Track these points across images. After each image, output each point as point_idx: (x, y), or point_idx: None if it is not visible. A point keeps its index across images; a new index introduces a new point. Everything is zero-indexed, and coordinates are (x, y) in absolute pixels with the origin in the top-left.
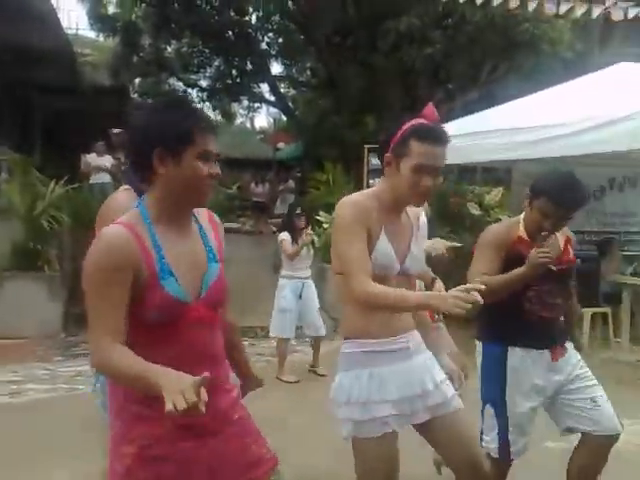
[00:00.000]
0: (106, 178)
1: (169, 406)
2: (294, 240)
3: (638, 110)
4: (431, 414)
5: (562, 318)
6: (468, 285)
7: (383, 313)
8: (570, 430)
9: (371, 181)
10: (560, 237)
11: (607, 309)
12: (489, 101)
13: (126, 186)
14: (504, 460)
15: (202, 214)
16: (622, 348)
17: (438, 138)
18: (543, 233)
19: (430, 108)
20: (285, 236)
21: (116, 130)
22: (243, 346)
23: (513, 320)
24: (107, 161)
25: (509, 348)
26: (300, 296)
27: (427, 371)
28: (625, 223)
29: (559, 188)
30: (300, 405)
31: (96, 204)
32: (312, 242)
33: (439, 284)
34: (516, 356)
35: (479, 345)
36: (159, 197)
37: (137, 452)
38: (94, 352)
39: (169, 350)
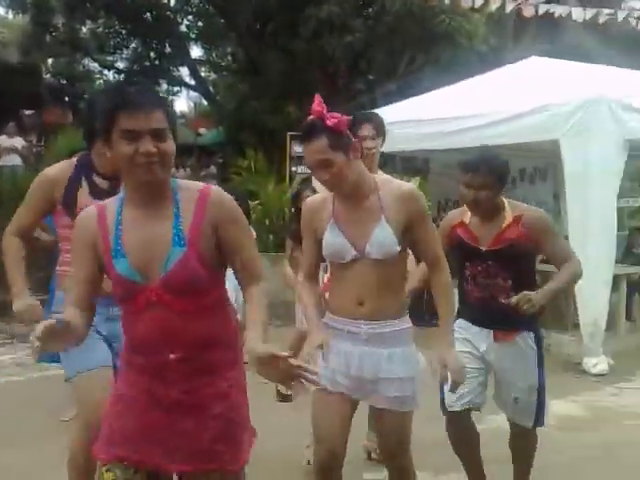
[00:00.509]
0: (17, 160)
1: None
2: None
3: (546, 103)
4: (383, 403)
5: (503, 299)
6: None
7: (340, 294)
8: (499, 407)
9: (293, 168)
10: (510, 216)
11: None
12: (408, 92)
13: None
14: (446, 412)
15: (193, 194)
16: None
17: (305, 137)
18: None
19: (316, 100)
20: None
21: (28, 111)
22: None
23: (460, 297)
24: (18, 143)
25: (458, 320)
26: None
27: (380, 363)
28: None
29: (472, 158)
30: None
31: (6, 186)
32: None
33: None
34: (461, 326)
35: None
36: (123, 179)
37: (117, 393)
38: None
39: (138, 328)
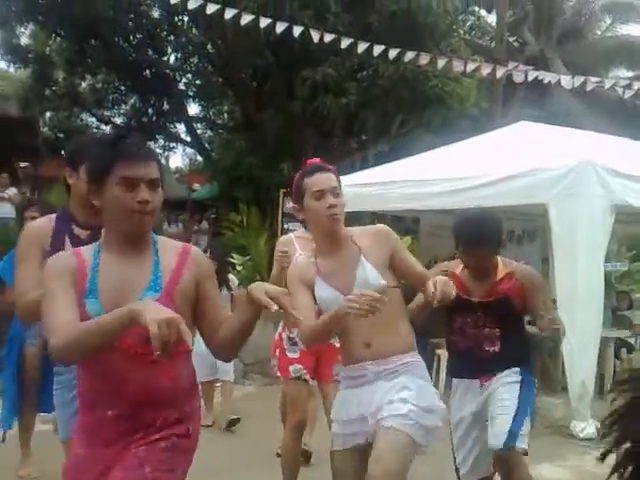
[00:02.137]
0: (9, 213)
1: (154, 329)
2: None
3: (534, 168)
4: (389, 420)
5: (495, 349)
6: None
7: (344, 345)
8: None
9: (285, 225)
10: (503, 271)
11: None
12: (399, 153)
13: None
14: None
15: (174, 248)
16: None
17: (319, 168)
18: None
19: (311, 160)
20: None
21: (23, 164)
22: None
23: (449, 353)
24: (12, 192)
25: (453, 379)
26: None
27: (385, 393)
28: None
29: (466, 233)
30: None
31: None
32: (227, 284)
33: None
34: (456, 384)
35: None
36: (105, 227)
37: (71, 456)
38: (54, 336)
39: (106, 379)
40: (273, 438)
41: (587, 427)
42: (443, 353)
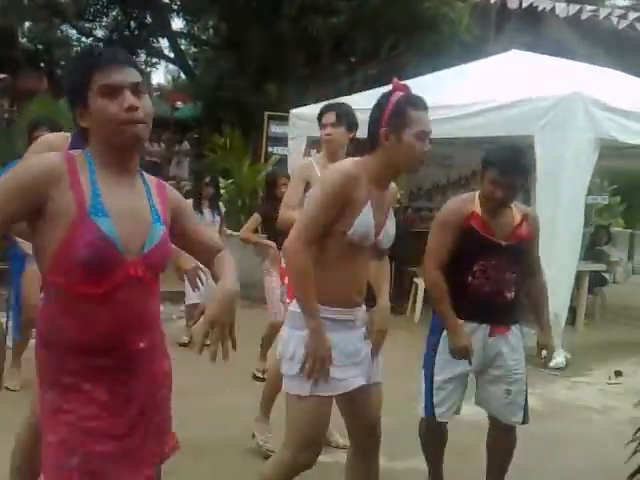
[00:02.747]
0: None
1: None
2: (196, 207)
3: (523, 98)
4: (378, 376)
5: (512, 295)
6: None
7: (338, 282)
8: (479, 405)
9: (270, 149)
10: (518, 213)
11: None
12: (388, 77)
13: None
14: (430, 418)
15: (152, 180)
16: None
17: (426, 105)
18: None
19: (397, 82)
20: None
21: (1, 75)
22: None
23: (458, 294)
24: None
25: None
26: None
27: (364, 341)
28: None
29: (504, 158)
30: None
31: None
32: (218, 208)
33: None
34: None
35: (432, 318)
36: (94, 149)
37: (72, 424)
38: None
39: (108, 311)
40: (250, 361)
41: (557, 357)
42: (421, 282)
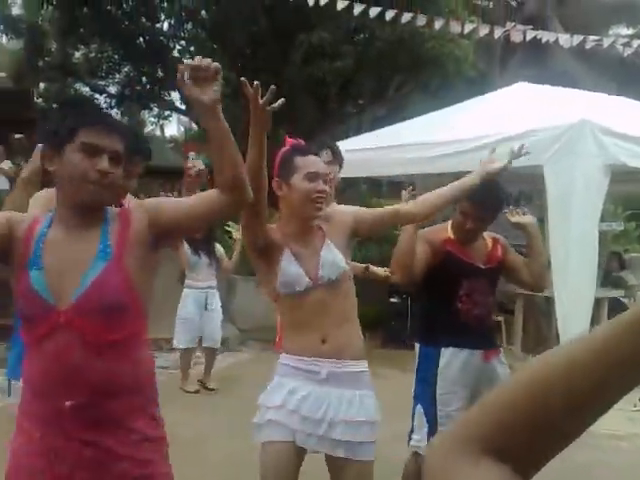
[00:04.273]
0: (4, 185)
1: None
2: (194, 251)
3: (531, 129)
4: (340, 450)
5: (494, 317)
6: None
7: (302, 338)
8: None
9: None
10: (488, 238)
11: (500, 318)
12: (396, 117)
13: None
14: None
15: (114, 212)
16: (514, 355)
17: (313, 151)
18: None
19: (288, 139)
20: (184, 247)
21: (18, 135)
22: None
23: (446, 321)
24: (6, 166)
25: (442, 349)
26: (206, 307)
27: (340, 404)
28: (519, 236)
29: (479, 190)
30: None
31: None
32: (214, 252)
33: (373, 268)
34: (447, 356)
35: (417, 347)
36: (57, 196)
37: (13, 459)
38: None
39: (38, 357)
40: None
41: None
42: None
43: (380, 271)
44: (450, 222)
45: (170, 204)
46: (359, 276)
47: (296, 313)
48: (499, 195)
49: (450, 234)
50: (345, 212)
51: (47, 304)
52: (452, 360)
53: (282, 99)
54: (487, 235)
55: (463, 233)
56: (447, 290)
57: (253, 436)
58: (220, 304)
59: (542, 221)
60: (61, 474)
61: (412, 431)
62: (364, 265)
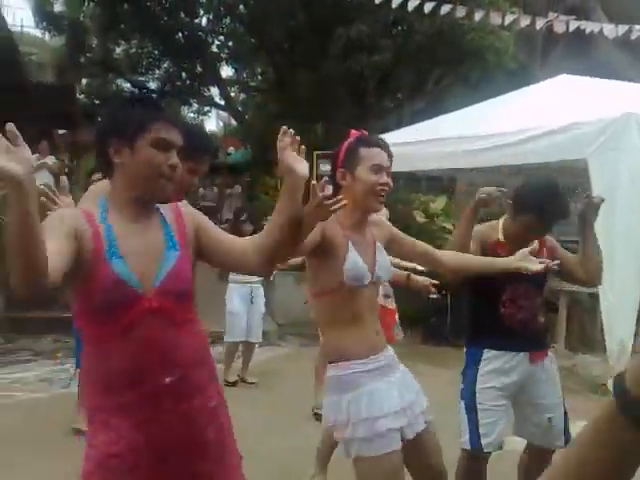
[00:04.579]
0: (48, 180)
1: None
2: None
3: (575, 122)
4: (418, 426)
5: (543, 319)
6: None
7: (359, 333)
8: (520, 436)
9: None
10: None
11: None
12: (436, 110)
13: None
14: (476, 450)
15: (167, 207)
16: (558, 353)
17: (379, 143)
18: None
19: (353, 131)
20: None
21: (61, 131)
22: None
23: (490, 324)
24: (50, 161)
25: (485, 350)
26: (251, 301)
27: (407, 382)
28: (563, 232)
29: (546, 204)
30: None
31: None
32: None
33: (415, 277)
34: (490, 357)
35: (466, 351)
36: (118, 188)
37: (98, 459)
38: None
39: (128, 346)
40: (308, 398)
41: None
42: None
43: (421, 280)
44: (502, 222)
45: (216, 233)
46: (401, 284)
47: (353, 307)
48: (567, 206)
49: (501, 236)
50: (387, 224)
51: (134, 291)
52: (494, 360)
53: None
54: None
55: (519, 241)
56: (491, 294)
57: (359, 450)
58: (264, 299)
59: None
60: (154, 460)
61: (461, 428)
62: (406, 273)
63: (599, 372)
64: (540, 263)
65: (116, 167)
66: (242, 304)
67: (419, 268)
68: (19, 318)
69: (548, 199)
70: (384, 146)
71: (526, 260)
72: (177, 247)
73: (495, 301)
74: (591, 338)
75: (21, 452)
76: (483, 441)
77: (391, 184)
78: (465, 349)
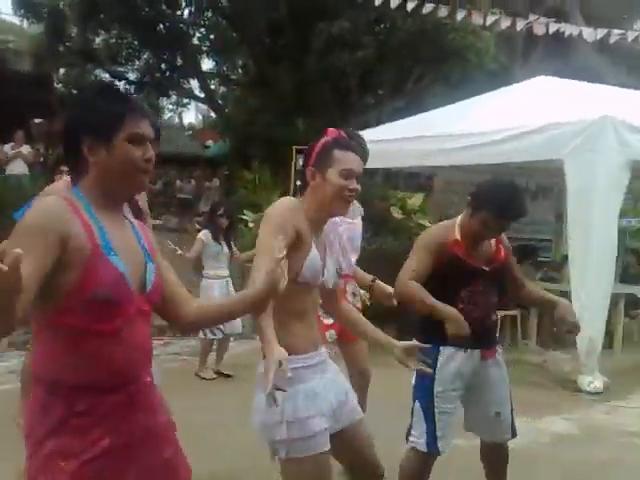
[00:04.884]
0: (23, 169)
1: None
2: (215, 238)
3: (552, 122)
4: (343, 423)
5: (496, 317)
6: None
7: (304, 328)
8: (469, 430)
9: (298, 182)
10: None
11: (517, 312)
12: (415, 109)
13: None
14: (432, 453)
15: (132, 219)
16: (530, 350)
17: (354, 148)
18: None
19: (330, 129)
20: (204, 235)
21: (37, 120)
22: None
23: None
24: (25, 151)
25: (441, 348)
26: (227, 294)
27: (339, 381)
28: (536, 231)
29: (503, 202)
30: (206, 405)
31: (11, 195)
32: (229, 241)
33: (380, 284)
34: (446, 355)
35: (415, 343)
36: (92, 186)
37: (77, 468)
38: None
39: (120, 347)
40: None
41: (594, 381)
42: None
43: (387, 289)
44: (458, 222)
45: (168, 268)
46: (363, 287)
47: (301, 303)
48: (525, 208)
49: (457, 235)
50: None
51: (130, 290)
52: (450, 359)
53: None
54: None
55: (475, 239)
56: (449, 291)
57: (291, 451)
58: (233, 292)
59: (560, 217)
60: (131, 455)
61: (411, 427)
62: (371, 277)
63: (569, 368)
64: (416, 367)
65: (91, 165)
66: (220, 298)
67: None
68: None
69: (505, 197)
70: (360, 151)
71: (406, 357)
72: (151, 259)
73: (453, 298)
74: (562, 335)
75: None
76: (440, 443)
77: (359, 189)
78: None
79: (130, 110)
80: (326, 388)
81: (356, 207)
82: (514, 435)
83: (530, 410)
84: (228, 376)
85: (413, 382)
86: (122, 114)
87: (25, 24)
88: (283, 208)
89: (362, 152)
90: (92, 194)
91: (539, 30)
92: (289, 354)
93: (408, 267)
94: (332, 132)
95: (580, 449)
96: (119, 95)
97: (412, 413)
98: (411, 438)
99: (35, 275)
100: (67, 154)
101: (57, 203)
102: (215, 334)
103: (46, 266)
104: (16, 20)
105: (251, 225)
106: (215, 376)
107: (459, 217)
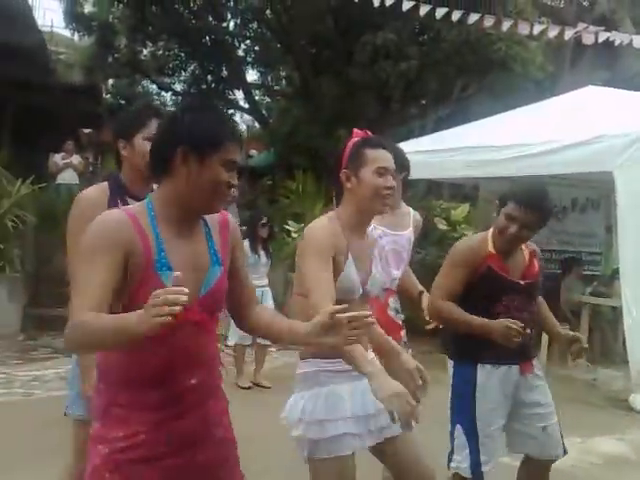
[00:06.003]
0: (73, 179)
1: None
2: (253, 249)
3: (601, 134)
4: (383, 436)
5: (531, 331)
6: None
7: None
8: (516, 452)
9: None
10: (525, 251)
11: (566, 327)
12: (460, 119)
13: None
14: (477, 477)
15: (215, 218)
16: (579, 367)
17: (384, 145)
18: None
19: (356, 130)
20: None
21: (87, 130)
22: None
23: (484, 338)
24: (75, 161)
25: (478, 366)
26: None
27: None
28: (585, 244)
29: (526, 192)
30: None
31: (62, 204)
32: (268, 251)
33: (426, 298)
34: (485, 374)
35: (450, 363)
36: (170, 194)
37: (107, 453)
38: (68, 325)
39: (161, 350)
40: None
41: None
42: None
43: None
44: (491, 232)
45: (241, 264)
46: (408, 299)
47: None
48: (548, 202)
49: (491, 247)
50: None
51: None
52: (490, 377)
53: None
54: (524, 246)
55: (505, 241)
56: (485, 306)
57: (312, 451)
58: (272, 302)
59: (610, 229)
60: (170, 455)
61: (452, 452)
62: (419, 290)
63: (620, 387)
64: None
65: (177, 174)
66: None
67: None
68: (41, 315)
69: (528, 187)
70: (389, 147)
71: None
72: (220, 262)
73: (489, 313)
74: (613, 352)
75: (39, 451)
76: (484, 468)
77: (395, 186)
78: (452, 363)
79: (231, 133)
80: (354, 393)
81: (409, 216)
82: (565, 451)
83: (579, 429)
84: (266, 387)
85: (449, 403)
86: (225, 138)
87: (76, 37)
88: (322, 234)
89: (393, 151)
90: (166, 203)
91: (588, 40)
92: (314, 357)
93: (438, 286)
94: (359, 133)
95: (632, 470)
96: (222, 115)
97: (452, 436)
98: (452, 464)
99: (109, 289)
100: (154, 157)
101: (121, 219)
102: (244, 341)
103: (118, 282)
104: (67, 33)
105: (294, 235)
106: (251, 384)
107: (491, 229)
